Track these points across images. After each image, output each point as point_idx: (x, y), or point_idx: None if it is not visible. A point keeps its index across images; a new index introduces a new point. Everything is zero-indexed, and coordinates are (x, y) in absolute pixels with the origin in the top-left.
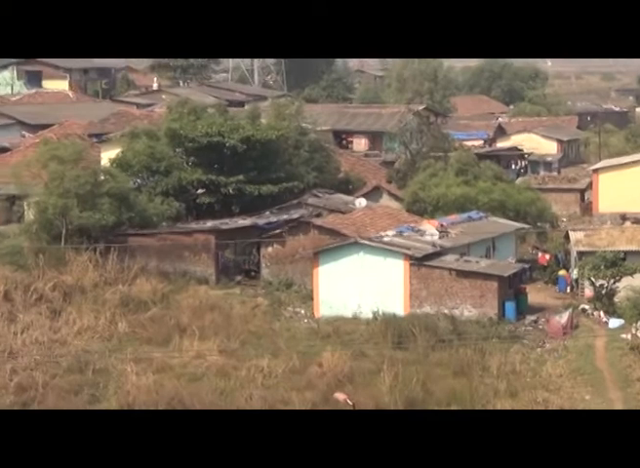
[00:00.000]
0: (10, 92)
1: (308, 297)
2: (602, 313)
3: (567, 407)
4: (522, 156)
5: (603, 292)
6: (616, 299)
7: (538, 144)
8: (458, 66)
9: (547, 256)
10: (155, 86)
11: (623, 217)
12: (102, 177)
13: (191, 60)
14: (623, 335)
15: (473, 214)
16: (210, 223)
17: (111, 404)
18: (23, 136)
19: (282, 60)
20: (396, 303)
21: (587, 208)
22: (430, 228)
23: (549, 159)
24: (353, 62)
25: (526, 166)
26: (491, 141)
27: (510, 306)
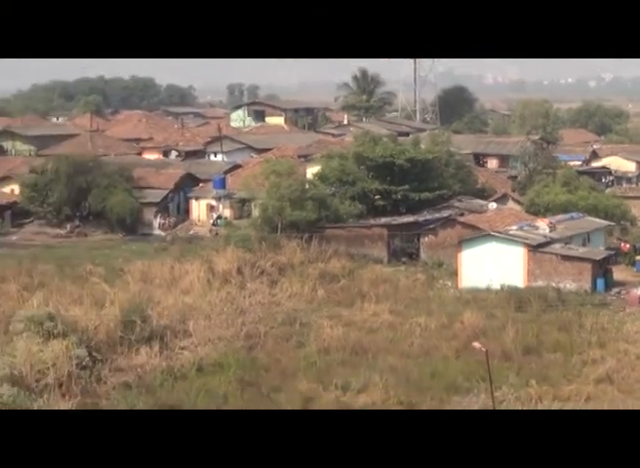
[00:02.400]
0: (242, 125)
1: (454, 274)
2: None
3: None
4: (610, 173)
5: None
6: None
7: (621, 164)
8: (563, 108)
9: (628, 246)
10: (345, 121)
11: None
12: (307, 186)
13: (371, 103)
14: None
15: (574, 214)
16: (383, 220)
17: (312, 348)
18: (252, 157)
19: (437, 103)
20: (517, 278)
21: None
22: (543, 225)
23: (630, 175)
24: (487, 105)
25: (613, 180)
26: (587, 162)
27: (600, 282)
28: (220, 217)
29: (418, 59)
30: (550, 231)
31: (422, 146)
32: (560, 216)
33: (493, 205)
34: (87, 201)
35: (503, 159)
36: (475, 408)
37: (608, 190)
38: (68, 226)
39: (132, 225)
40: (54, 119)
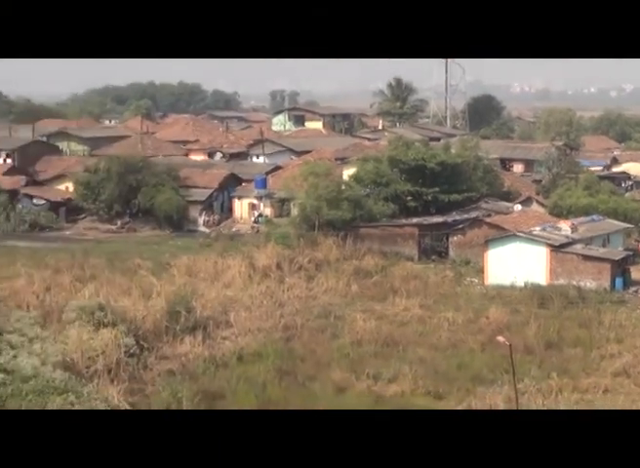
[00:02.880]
0: (283, 129)
1: (480, 271)
2: None
3: None
4: (629, 178)
5: None
6: None
7: None
8: (586, 116)
9: None
10: (380, 126)
11: None
12: (344, 187)
13: (405, 109)
14: None
15: (595, 216)
16: (415, 220)
17: (346, 340)
18: (291, 159)
19: (466, 110)
20: (540, 277)
21: None
22: (565, 226)
23: None
24: (514, 112)
25: (632, 184)
26: (608, 167)
27: (619, 280)
28: (260, 216)
29: (449, 69)
30: (572, 232)
31: (452, 151)
32: (581, 219)
33: (518, 207)
34: (136, 199)
35: (528, 164)
36: (499, 398)
37: (627, 194)
38: (119, 222)
39: (178, 222)
40: (106, 121)
